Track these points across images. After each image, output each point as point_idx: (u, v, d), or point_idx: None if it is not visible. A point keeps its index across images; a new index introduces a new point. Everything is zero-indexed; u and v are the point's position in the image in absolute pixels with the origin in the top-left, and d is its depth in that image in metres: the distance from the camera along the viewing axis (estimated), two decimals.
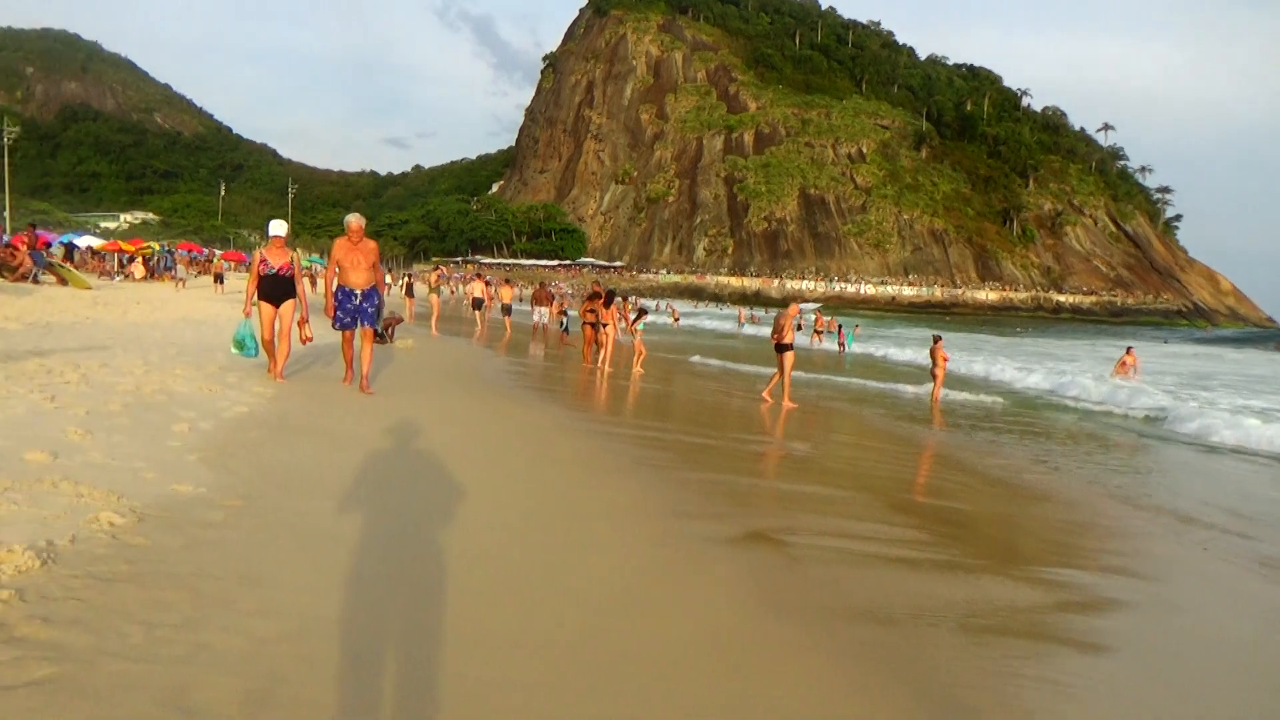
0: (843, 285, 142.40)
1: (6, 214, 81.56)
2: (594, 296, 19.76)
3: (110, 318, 13.85)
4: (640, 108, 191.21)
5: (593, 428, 9.44)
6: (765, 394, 13.90)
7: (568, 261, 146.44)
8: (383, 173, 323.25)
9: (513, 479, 6.24)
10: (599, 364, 17.67)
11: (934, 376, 17.51)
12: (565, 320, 26.53)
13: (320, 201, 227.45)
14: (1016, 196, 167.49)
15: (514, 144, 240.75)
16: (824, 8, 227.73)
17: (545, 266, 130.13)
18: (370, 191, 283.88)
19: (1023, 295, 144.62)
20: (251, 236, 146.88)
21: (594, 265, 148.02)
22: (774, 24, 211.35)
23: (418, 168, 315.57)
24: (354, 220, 8.96)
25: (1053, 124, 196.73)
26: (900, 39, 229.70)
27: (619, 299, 19.06)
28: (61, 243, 41.30)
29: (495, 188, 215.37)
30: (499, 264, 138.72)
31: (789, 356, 13.94)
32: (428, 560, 3.90)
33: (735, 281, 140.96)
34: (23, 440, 4.72)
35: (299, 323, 9.10)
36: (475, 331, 24.95)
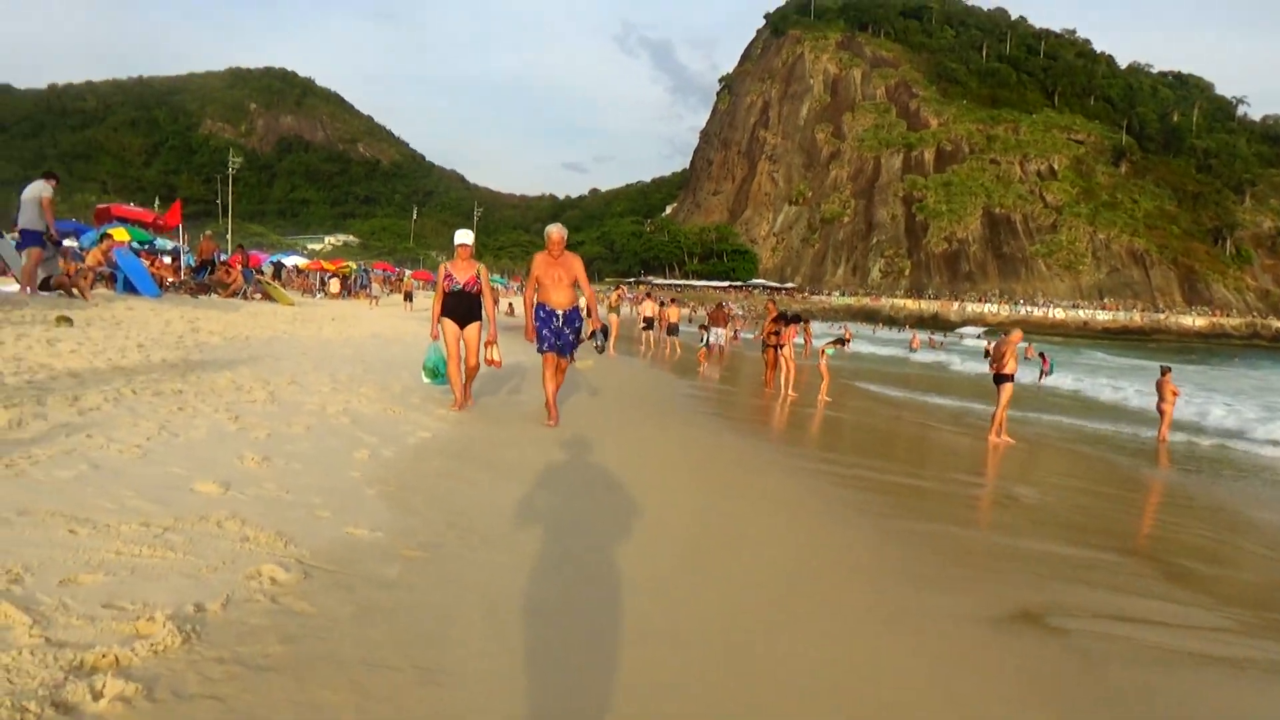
0: (1029, 309, 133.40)
1: (229, 235, 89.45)
2: (777, 318, 18.85)
3: (305, 334, 14.18)
4: (816, 127, 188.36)
5: (789, 461, 8.53)
6: (992, 435, 12.48)
7: (739, 283, 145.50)
8: (561, 196, 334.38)
9: (714, 532, 5.44)
10: (782, 389, 16.74)
11: (1161, 413, 15.48)
12: (707, 336, 25.57)
13: (503, 224, 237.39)
14: (1230, 214, 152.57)
15: (688, 166, 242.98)
16: (1014, 17, 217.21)
17: (716, 287, 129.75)
18: (549, 214, 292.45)
19: (1236, 321, 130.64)
20: (439, 257, 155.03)
21: (765, 286, 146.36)
22: (959, 37, 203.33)
23: (594, 191, 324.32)
24: (554, 231, 7.98)
25: (1273, 135, 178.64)
26: (1098, 47, 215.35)
27: (801, 321, 18.07)
28: (271, 262, 44.35)
29: (669, 210, 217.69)
30: (671, 284, 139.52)
31: (1007, 388, 12.54)
32: (630, 640, 3.15)
33: (912, 304, 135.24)
34: (197, 467, 4.36)
35: (486, 344, 8.33)
36: (648, 351, 24.51)
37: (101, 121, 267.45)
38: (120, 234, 21.40)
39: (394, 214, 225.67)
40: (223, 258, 28.03)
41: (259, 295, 24.60)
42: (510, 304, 46.21)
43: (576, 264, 8.01)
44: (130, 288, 16.38)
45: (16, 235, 14.71)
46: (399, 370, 10.76)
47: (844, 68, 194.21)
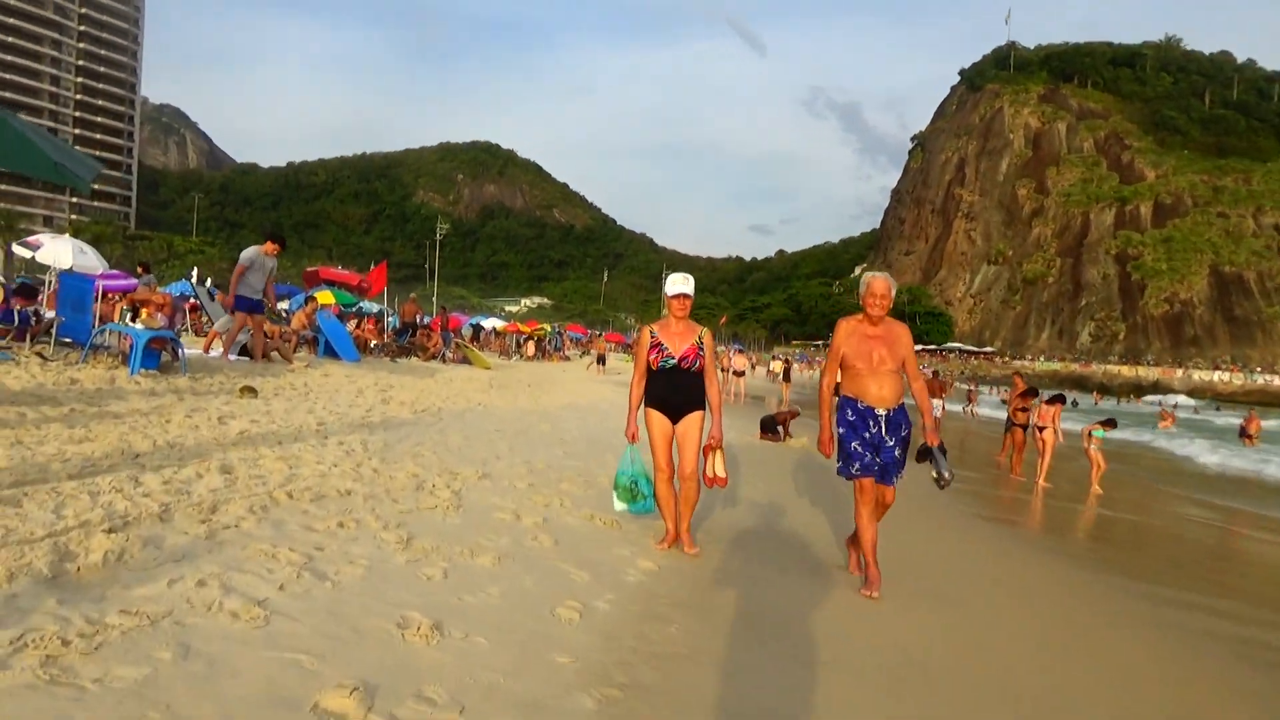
0: (1268, 377, 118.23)
1: (434, 298, 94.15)
2: (1027, 393, 16.26)
3: (501, 404, 13.13)
4: (1017, 183, 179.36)
5: (1112, 599, 6.27)
6: None
7: (933, 346, 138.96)
8: (747, 258, 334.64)
9: None
10: (1036, 477, 14.15)
11: None
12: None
13: None
14: None
15: (877, 226, 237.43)
16: (1241, 61, 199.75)
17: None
18: (735, 276, 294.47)
19: None
20: (627, 318, 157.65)
21: (962, 350, 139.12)
22: (1177, 84, 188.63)
23: (781, 252, 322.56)
24: (879, 283, 5.18)
25: None
26: None
27: (1064, 401, 15.39)
28: (471, 324, 45.27)
29: (858, 270, 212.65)
30: None
31: None
32: None
33: (1128, 371, 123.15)
34: (334, 648, 2.89)
35: (706, 449, 5.54)
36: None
37: (329, 194, 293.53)
38: (326, 297, 21.66)
39: (585, 276, 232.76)
40: (425, 320, 28.29)
41: (458, 358, 24.35)
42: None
43: (905, 338, 5.21)
44: (331, 351, 16.07)
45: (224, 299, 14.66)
46: (602, 453, 9.32)
47: (1047, 121, 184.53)
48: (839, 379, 5.32)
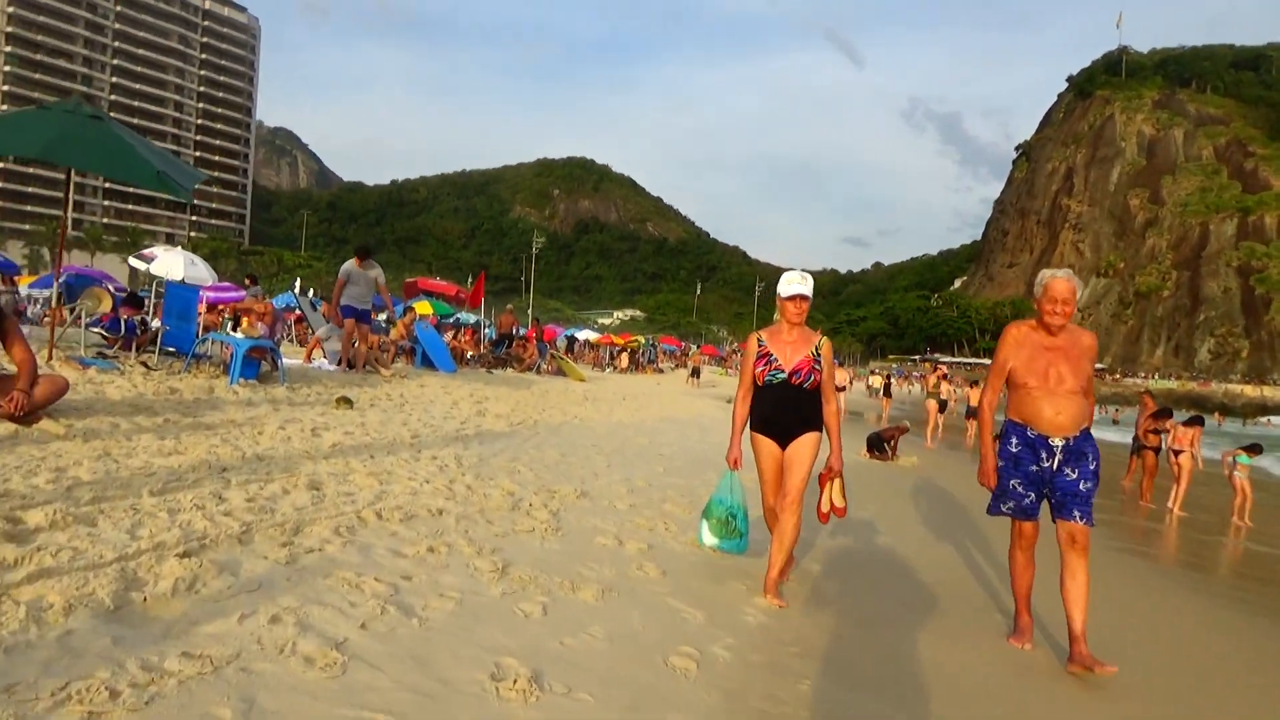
0: None
1: (529, 310, 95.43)
2: (1159, 414, 15.06)
3: (596, 417, 12.77)
4: (1129, 192, 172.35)
5: None
6: None
7: None
8: (843, 270, 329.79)
9: None
10: (1170, 504, 13.02)
11: None
12: None
13: None
14: None
15: (977, 239, 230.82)
16: None
17: None
18: (830, 289, 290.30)
19: None
20: (720, 331, 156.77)
21: None
22: None
23: (877, 264, 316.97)
24: (1062, 284, 4.20)
25: None
26: None
27: (1201, 424, 14.16)
28: (565, 336, 45.39)
29: (957, 283, 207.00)
30: (959, 363, 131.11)
31: None
32: None
33: (1251, 390, 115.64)
34: (420, 706, 2.44)
35: (823, 478, 4.73)
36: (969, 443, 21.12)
37: (430, 210, 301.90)
38: (424, 307, 21.81)
39: (678, 289, 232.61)
40: (521, 332, 28.32)
41: (552, 369, 24.20)
42: None
43: (1091, 352, 4.30)
44: (428, 362, 16.04)
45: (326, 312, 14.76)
46: (703, 470, 8.82)
47: (1162, 128, 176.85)
48: (1001, 395, 4.54)
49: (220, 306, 15.78)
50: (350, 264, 12.48)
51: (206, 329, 10.97)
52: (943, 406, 27.34)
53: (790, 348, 4.56)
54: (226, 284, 23.63)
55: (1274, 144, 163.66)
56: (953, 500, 10.30)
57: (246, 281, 20.89)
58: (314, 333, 15.38)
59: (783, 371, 4.50)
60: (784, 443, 4.54)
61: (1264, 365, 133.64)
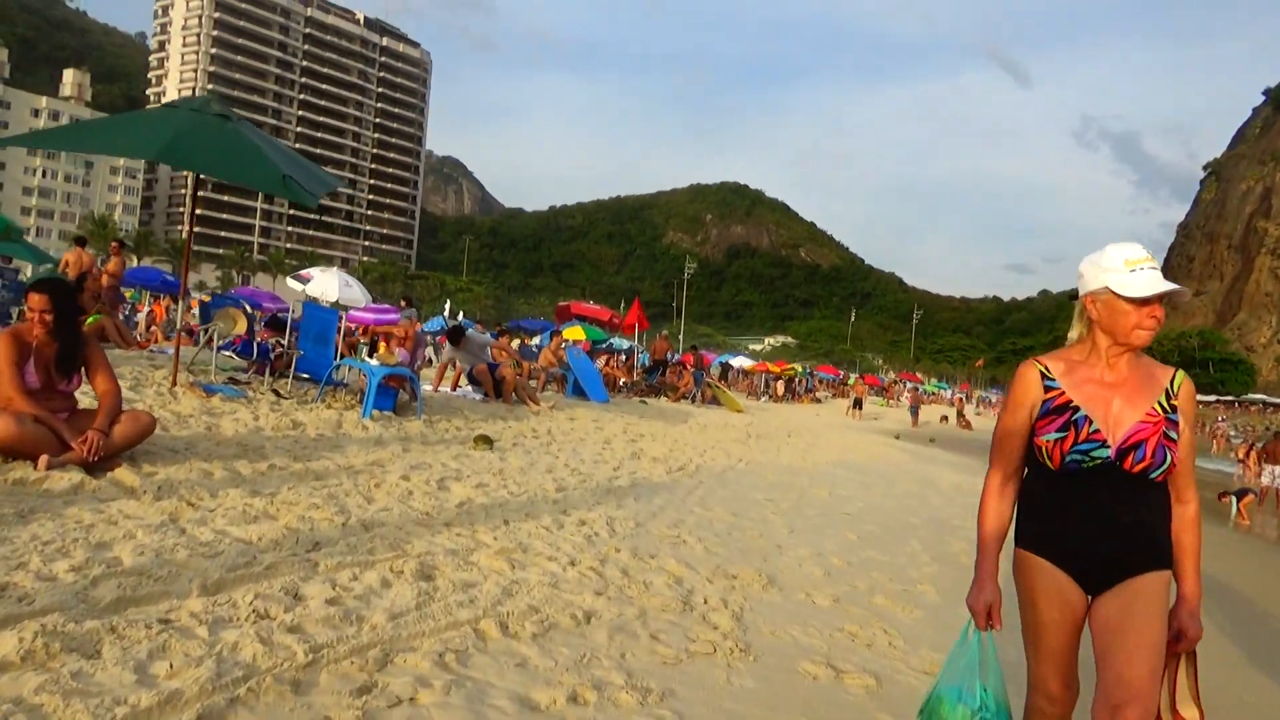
0: None
1: (681, 336, 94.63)
2: None
3: (762, 459, 11.28)
4: None
5: None
6: None
7: (1230, 398, 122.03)
8: (1006, 298, 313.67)
9: None
10: None
11: None
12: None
13: (940, 327, 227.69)
14: None
15: (1161, 264, 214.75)
16: None
17: (1202, 403, 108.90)
18: (992, 317, 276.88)
19: None
20: (875, 360, 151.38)
21: (1266, 403, 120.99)
22: None
23: (1044, 292, 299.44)
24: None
25: None
26: None
27: None
28: (719, 362, 44.02)
29: None
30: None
31: None
32: None
33: None
34: None
35: (1170, 656, 2.30)
36: None
37: (585, 236, 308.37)
38: (575, 333, 20.94)
39: (831, 315, 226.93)
40: (675, 358, 27.17)
41: (707, 398, 22.88)
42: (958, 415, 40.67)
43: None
44: (579, 391, 15.00)
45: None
46: (904, 539, 7.23)
47: None
48: None
49: (372, 329, 15.30)
50: (449, 347, 12.05)
51: (346, 353, 10.26)
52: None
53: (1118, 396, 2.32)
54: (384, 305, 23.58)
55: None
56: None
57: (402, 304, 20.63)
58: (442, 358, 14.65)
59: (1106, 445, 2.26)
60: (1096, 583, 2.32)
61: None
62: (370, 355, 8.31)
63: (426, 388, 11.23)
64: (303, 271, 17.62)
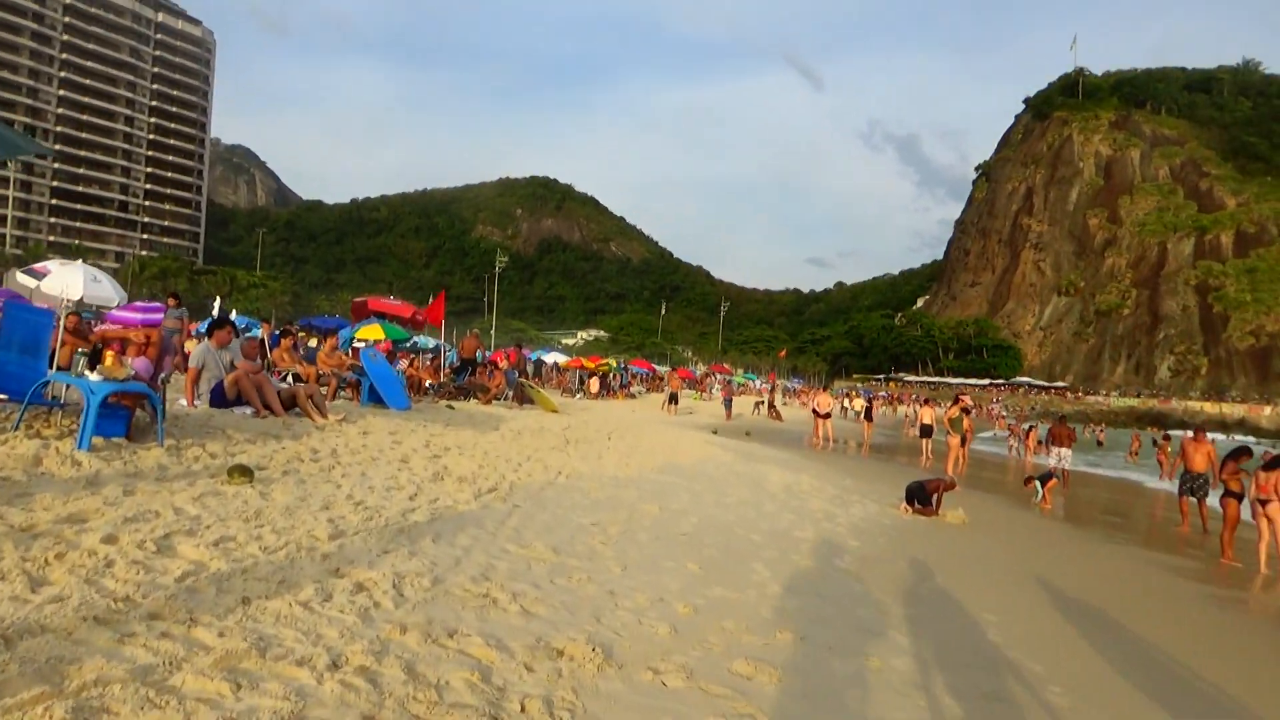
0: None
1: (492, 331, 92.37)
2: (1237, 453, 12.87)
3: (585, 469, 10.21)
4: (1088, 212, 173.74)
5: None
6: None
7: (1000, 381, 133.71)
8: (805, 290, 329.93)
9: None
10: (1260, 564, 10.84)
11: None
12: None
13: (746, 319, 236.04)
14: None
15: (938, 258, 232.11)
16: None
17: (975, 386, 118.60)
18: (793, 308, 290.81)
19: None
20: (685, 352, 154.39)
21: (1031, 385, 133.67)
22: (1258, 108, 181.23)
23: (840, 284, 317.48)
24: None
25: None
26: None
27: (1271, 460, 11.89)
28: (531, 359, 42.73)
29: (920, 303, 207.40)
30: (924, 382, 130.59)
31: None
32: None
33: (1210, 407, 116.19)
34: None
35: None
36: (950, 468, 18.77)
37: (391, 229, 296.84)
38: (373, 331, 19.11)
39: (641, 309, 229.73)
40: (486, 356, 25.71)
41: (520, 399, 21.63)
42: (768, 405, 41.57)
43: None
44: (377, 398, 13.37)
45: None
46: (748, 563, 6.37)
47: (1119, 148, 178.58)
48: None
49: (93, 335, 12.94)
50: (203, 347, 10.05)
51: (64, 365, 8.28)
52: (926, 432, 25.18)
53: None
54: (142, 304, 20.65)
55: (1227, 164, 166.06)
56: (994, 560, 7.91)
57: (170, 302, 18.06)
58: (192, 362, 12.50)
59: None
60: None
61: (1222, 382, 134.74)
62: (91, 369, 6.53)
63: (183, 403, 9.37)
64: (36, 265, 14.84)
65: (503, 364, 25.58)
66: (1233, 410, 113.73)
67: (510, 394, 21.23)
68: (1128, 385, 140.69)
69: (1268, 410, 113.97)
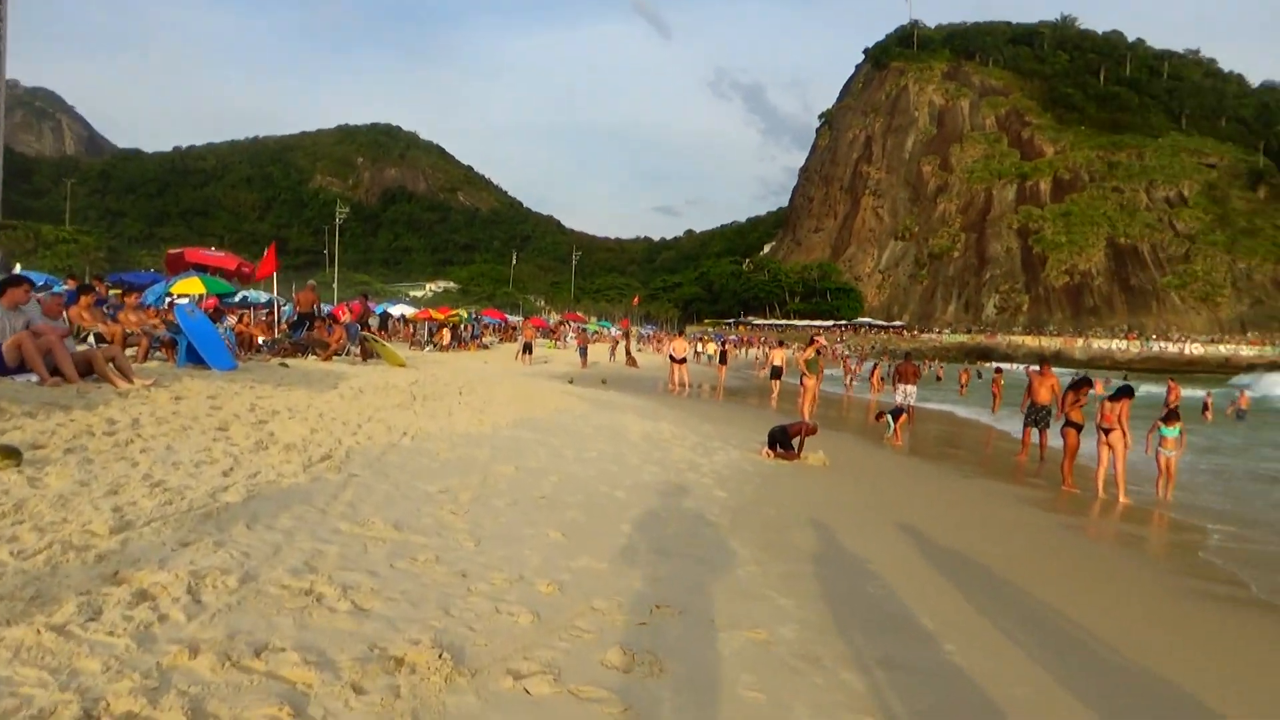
0: (1162, 345, 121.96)
1: (335, 285, 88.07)
2: (1078, 384, 13.35)
3: (433, 428, 9.42)
4: (922, 160, 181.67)
5: None
6: None
7: (843, 322, 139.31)
8: (656, 238, 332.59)
9: None
10: (1114, 493, 11.31)
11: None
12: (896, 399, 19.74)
13: (599, 267, 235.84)
14: None
15: (784, 205, 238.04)
16: (1131, 40, 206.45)
17: (820, 327, 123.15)
18: (644, 256, 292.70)
19: None
20: (538, 302, 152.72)
21: (872, 325, 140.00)
22: (1074, 61, 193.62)
23: (689, 232, 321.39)
24: None
25: None
26: (1225, 66, 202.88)
27: (1132, 394, 12.40)
28: (377, 313, 40.76)
29: (767, 248, 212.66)
30: (772, 325, 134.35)
31: None
32: None
33: (1031, 341, 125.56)
34: None
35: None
36: (807, 410, 19.06)
37: (220, 179, 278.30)
38: (192, 285, 17.38)
39: (492, 259, 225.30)
40: (326, 310, 24.11)
41: (365, 354, 20.36)
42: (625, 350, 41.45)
43: None
44: (197, 358, 12.02)
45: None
46: (615, 524, 5.85)
47: (950, 98, 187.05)
48: None
49: None
50: None
51: None
52: (776, 373, 25.50)
53: None
54: None
55: (1046, 114, 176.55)
56: (858, 508, 7.80)
57: None
58: None
59: None
60: None
61: (1042, 318, 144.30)
62: None
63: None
64: None
65: (344, 317, 24.08)
66: (1050, 343, 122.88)
67: (353, 349, 19.94)
68: (958, 323, 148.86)
69: (1080, 342, 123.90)
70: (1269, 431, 24.83)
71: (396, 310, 46.46)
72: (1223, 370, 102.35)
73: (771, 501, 8.06)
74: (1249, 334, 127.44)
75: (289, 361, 15.84)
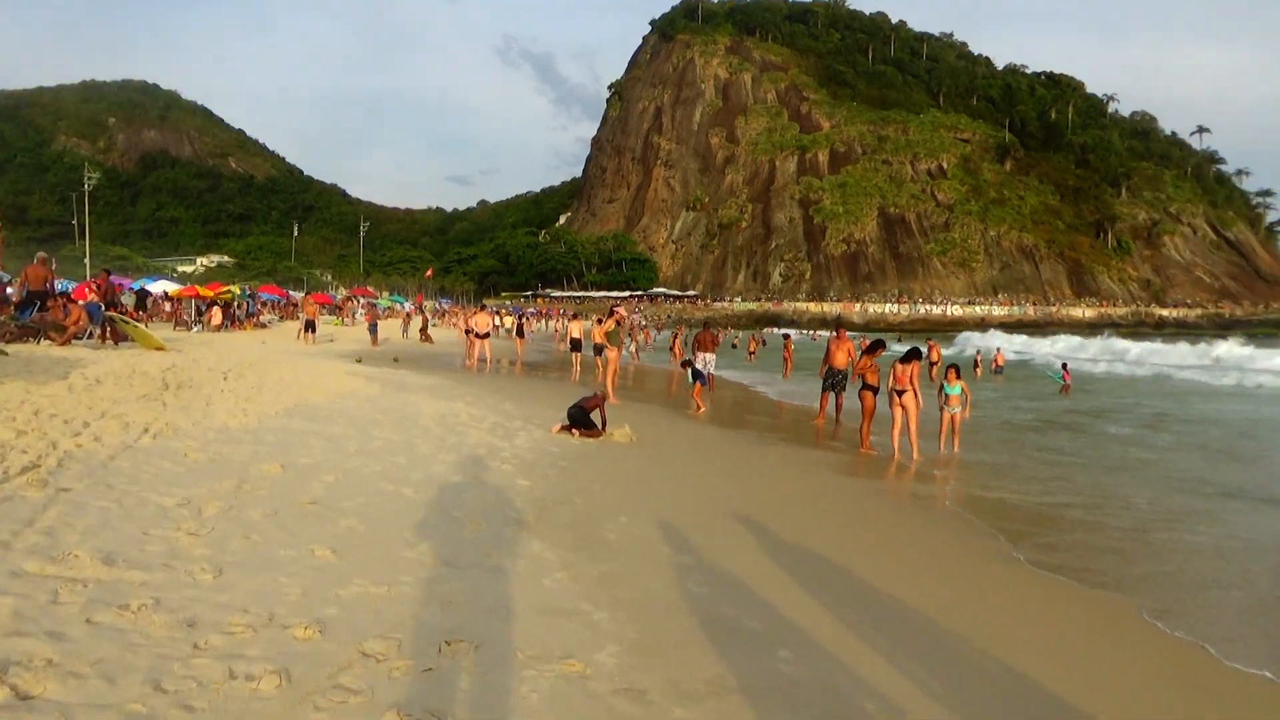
0: (928, 307, 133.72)
1: (87, 260, 79.08)
2: (872, 347, 13.59)
3: (185, 423, 8.04)
4: (710, 132, 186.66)
5: None
6: None
7: (639, 292, 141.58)
8: (449, 209, 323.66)
9: None
10: (910, 451, 11.59)
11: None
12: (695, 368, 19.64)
13: (388, 239, 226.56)
14: (1109, 207, 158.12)
15: (578, 176, 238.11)
16: (895, 21, 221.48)
17: (617, 297, 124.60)
18: (437, 228, 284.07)
19: (1122, 311, 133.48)
20: (324, 276, 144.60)
21: (667, 295, 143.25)
22: (845, 40, 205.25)
23: (483, 203, 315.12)
24: None
25: (1143, 129, 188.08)
26: (975, 49, 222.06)
27: (920, 357, 12.72)
28: (132, 289, 36.63)
29: (562, 219, 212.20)
30: (570, 296, 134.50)
31: None
32: None
33: (814, 307, 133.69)
34: None
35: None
36: (609, 382, 18.84)
37: None
38: None
39: (271, 231, 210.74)
40: (67, 287, 21.11)
41: (115, 337, 17.93)
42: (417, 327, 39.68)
43: None
44: None
45: None
46: (401, 528, 4.98)
47: (734, 72, 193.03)
48: None
49: None
50: None
51: None
52: (576, 345, 25.23)
53: None
54: None
55: (822, 90, 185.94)
56: (682, 492, 7.42)
57: None
58: None
59: None
60: None
61: (823, 285, 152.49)
62: None
63: None
64: None
65: (90, 296, 21.16)
66: (831, 309, 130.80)
67: (95, 331, 17.48)
68: (748, 291, 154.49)
69: (857, 307, 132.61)
70: (1019, 385, 27.19)
71: (157, 287, 42.07)
72: (979, 329, 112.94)
73: (578, 490, 7.41)
74: (999, 295, 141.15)
75: (9, 349, 13.51)
